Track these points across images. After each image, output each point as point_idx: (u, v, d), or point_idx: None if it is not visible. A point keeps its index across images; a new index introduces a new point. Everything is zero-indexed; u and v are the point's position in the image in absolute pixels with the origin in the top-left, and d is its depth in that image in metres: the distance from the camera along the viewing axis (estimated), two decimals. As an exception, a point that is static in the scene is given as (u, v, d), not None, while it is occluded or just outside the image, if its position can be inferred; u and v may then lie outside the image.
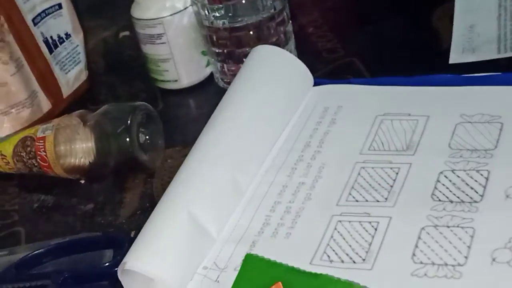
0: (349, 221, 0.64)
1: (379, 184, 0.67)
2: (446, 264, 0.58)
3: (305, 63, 0.81)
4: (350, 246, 0.62)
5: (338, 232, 0.63)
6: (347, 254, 0.61)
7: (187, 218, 0.64)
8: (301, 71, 0.81)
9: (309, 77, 0.82)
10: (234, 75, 0.81)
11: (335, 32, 0.95)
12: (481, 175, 0.65)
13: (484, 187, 0.64)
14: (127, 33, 1.08)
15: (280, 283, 0.56)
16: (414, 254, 0.59)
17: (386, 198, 0.66)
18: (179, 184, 0.68)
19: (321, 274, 0.57)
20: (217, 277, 0.62)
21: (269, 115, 0.76)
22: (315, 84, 0.82)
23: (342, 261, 0.61)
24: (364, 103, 0.78)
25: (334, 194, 0.68)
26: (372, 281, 0.58)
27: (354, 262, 0.60)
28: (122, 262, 0.62)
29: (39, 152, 0.79)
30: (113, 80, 0.99)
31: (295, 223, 0.66)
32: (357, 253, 0.61)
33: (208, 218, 0.66)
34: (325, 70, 0.88)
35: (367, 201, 0.66)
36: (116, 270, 0.63)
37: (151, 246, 0.63)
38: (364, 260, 0.60)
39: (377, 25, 0.95)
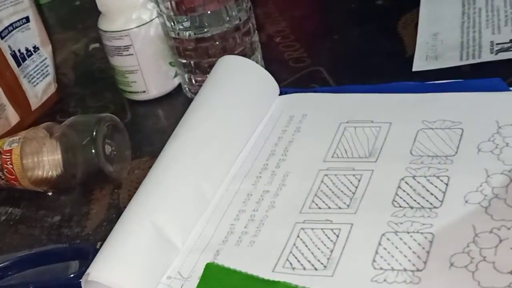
0: (312, 229, 0.65)
1: (342, 191, 0.68)
2: (405, 270, 0.59)
3: (272, 72, 0.82)
4: (312, 253, 0.63)
5: (301, 239, 0.64)
6: (309, 261, 0.62)
7: (151, 228, 0.65)
8: (266, 81, 0.82)
9: (275, 86, 0.82)
10: (201, 86, 0.82)
11: (302, 41, 0.96)
12: (441, 181, 0.66)
13: (444, 192, 0.65)
14: (97, 45, 1.08)
15: (240, 291, 0.57)
16: (374, 260, 0.60)
17: (348, 205, 0.66)
18: (143, 194, 0.69)
19: (279, 281, 0.57)
20: (181, 287, 0.63)
21: (235, 124, 0.76)
22: (281, 93, 0.83)
23: (304, 268, 0.61)
24: (328, 111, 0.78)
25: (297, 202, 0.68)
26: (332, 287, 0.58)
27: (316, 269, 0.61)
28: (85, 273, 0.62)
29: (5, 165, 0.79)
30: (83, 92, 0.99)
31: (258, 231, 0.66)
32: (318, 260, 0.62)
33: (172, 227, 0.66)
34: (292, 79, 0.89)
35: (329, 208, 0.67)
36: (81, 281, 0.63)
37: (114, 256, 0.63)
38: (325, 267, 0.61)
39: (343, 34, 0.95)
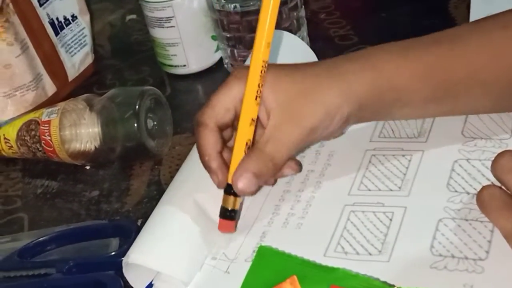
0: (363, 211, 0.62)
1: (392, 172, 0.66)
2: (466, 258, 0.56)
3: (317, 50, 0.79)
4: (364, 237, 0.60)
5: (352, 222, 0.62)
6: (362, 246, 0.59)
7: (193, 206, 0.63)
8: (310, 57, 0.79)
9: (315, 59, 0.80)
10: (244, 61, 0.80)
11: (347, 18, 0.94)
12: None
13: None
14: (133, 16, 1.06)
15: (294, 276, 0.54)
16: (432, 246, 0.58)
17: (399, 187, 0.64)
18: (185, 172, 0.66)
19: (337, 268, 0.55)
20: (227, 268, 0.60)
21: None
22: None
23: (357, 253, 0.59)
24: None
25: (345, 183, 0.66)
26: (390, 274, 0.56)
27: (370, 254, 0.58)
28: (126, 255, 0.60)
29: (43, 136, 0.77)
30: (120, 64, 0.97)
31: (306, 213, 0.64)
32: (372, 245, 0.59)
33: (215, 206, 0.64)
34: (338, 57, 0.86)
35: (380, 190, 0.64)
36: (122, 259, 0.61)
37: (155, 238, 0.61)
38: (380, 251, 0.58)
39: (391, 11, 0.93)
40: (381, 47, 0.63)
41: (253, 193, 0.60)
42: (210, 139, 0.60)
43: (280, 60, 0.76)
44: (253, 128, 0.59)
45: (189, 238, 0.61)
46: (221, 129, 0.61)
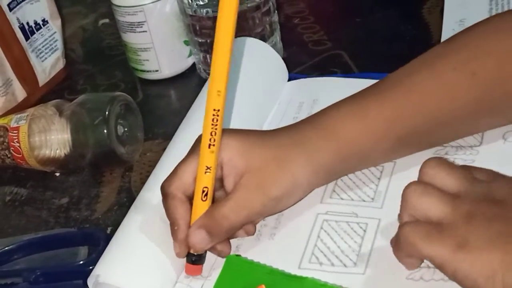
0: (336, 221, 0.62)
1: (363, 182, 0.65)
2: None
3: (291, 55, 0.79)
4: (339, 247, 0.60)
5: (325, 231, 0.61)
6: (337, 257, 0.59)
7: (164, 222, 0.61)
8: (278, 66, 0.79)
9: (285, 71, 0.80)
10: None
11: (321, 23, 0.93)
12: None
13: None
14: (106, 20, 1.04)
15: (263, 286, 0.53)
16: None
17: (372, 198, 0.63)
18: (156, 182, 0.65)
19: (306, 277, 0.54)
20: (201, 286, 0.59)
21: (247, 109, 0.73)
22: (289, 79, 0.80)
23: (333, 264, 0.58)
24: (339, 96, 0.74)
25: (317, 191, 0.65)
26: (366, 286, 0.55)
27: (345, 265, 0.58)
28: (94, 274, 0.59)
29: (12, 143, 0.76)
30: (92, 69, 0.96)
31: (278, 223, 0.63)
32: (347, 256, 0.59)
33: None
34: (312, 63, 0.86)
35: (352, 200, 0.64)
36: (91, 268, 0.60)
37: (126, 254, 0.60)
38: (355, 263, 0.58)
39: (365, 17, 0.92)
40: (340, 110, 0.63)
41: (206, 249, 0.59)
42: (179, 210, 0.59)
43: (250, 69, 0.75)
44: (209, 176, 0.58)
45: (160, 255, 0.60)
46: (190, 198, 0.60)
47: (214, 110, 0.56)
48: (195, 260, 0.59)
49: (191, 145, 0.63)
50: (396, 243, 0.54)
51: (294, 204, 0.62)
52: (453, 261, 0.50)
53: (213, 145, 0.57)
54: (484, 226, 0.51)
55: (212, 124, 0.57)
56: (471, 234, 0.50)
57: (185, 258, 0.60)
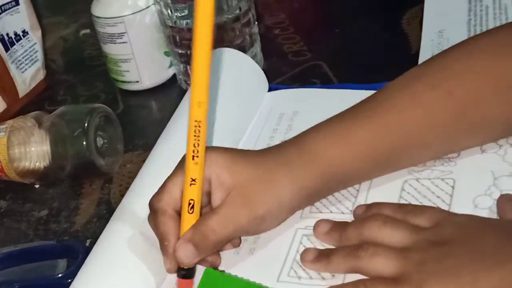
0: (314, 236, 0.62)
1: (342, 194, 0.65)
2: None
3: (271, 66, 0.79)
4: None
5: (304, 246, 0.61)
6: (315, 271, 0.59)
7: (143, 238, 0.61)
8: (258, 76, 0.79)
9: (264, 82, 0.80)
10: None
11: (301, 34, 0.93)
12: (447, 183, 0.64)
13: (451, 196, 0.62)
14: (87, 31, 1.05)
15: (240, 299, 0.54)
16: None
17: (351, 210, 0.63)
18: (135, 195, 0.65)
19: (282, 290, 0.55)
20: None
21: (227, 121, 0.73)
22: (269, 89, 0.81)
23: (311, 277, 0.58)
24: (319, 107, 0.75)
25: None
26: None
27: (324, 278, 0.58)
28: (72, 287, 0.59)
29: (-9, 155, 0.76)
30: (72, 80, 0.96)
31: (257, 238, 0.63)
32: None
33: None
34: (292, 73, 0.86)
35: (331, 212, 0.64)
36: (70, 281, 0.60)
37: (104, 268, 0.60)
38: (333, 276, 0.58)
39: (345, 28, 0.93)
40: (321, 132, 0.63)
41: (194, 262, 0.59)
42: (169, 225, 0.59)
43: (230, 80, 0.75)
44: (194, 188, 0.58)
45: (140, 268, 0.60)
46: (179, 213, 0.60)
47: (196, 121, 0.56)
48: (185, 274, 0.59)
49: (171, 156, 0.64)
50: None
51: (277, 225, 0.63)
52: None
53: (197, 156, 0.57)
54: (436, 270, 0.52)
55: (195, 136, 0.56)
56: (425, 282, 0.51)
57: (167, 273, 0.60)
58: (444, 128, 0.62)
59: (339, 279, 0.57)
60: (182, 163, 0.60)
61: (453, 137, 0.64)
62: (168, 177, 0.61)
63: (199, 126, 0.56)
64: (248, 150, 0.65)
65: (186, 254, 0.57)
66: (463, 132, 0.63)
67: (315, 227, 0.61)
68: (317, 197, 0.64)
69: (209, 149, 0.59)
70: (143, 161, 0.71)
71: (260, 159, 0.62)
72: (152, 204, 0.60)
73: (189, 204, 0.58)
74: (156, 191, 0.61)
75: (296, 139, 0.64)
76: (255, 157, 0.62)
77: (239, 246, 0.62)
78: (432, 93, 0.62)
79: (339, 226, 0.60)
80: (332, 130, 0.63)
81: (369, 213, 0.60)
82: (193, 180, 0.58)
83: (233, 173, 0.59)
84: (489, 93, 0.61)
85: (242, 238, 0.63)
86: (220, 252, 0.62)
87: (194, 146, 0.57)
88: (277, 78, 0.84)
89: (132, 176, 0.71)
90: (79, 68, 0.99)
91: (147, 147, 0.75)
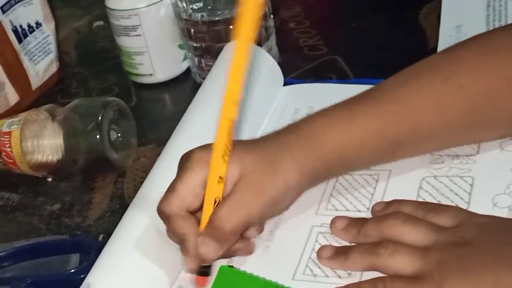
0: (331, 233, 0.61)
1: (359, 192, 0.65)
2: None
3: (286, 60, 0.79)
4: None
5: (320, 244, 0.60)
6: (331, 268, 0.58)
7: (157, 233, 0.61)
8: (273, 70, 0.79)
9: (280, 76, 0.79)
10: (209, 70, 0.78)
11: (317, 28, 0.92)
12: (465, 181, 0.63)
13: (470, 193, 0.61)
14: (101, 23, 1.04)
15: (256, 297, 0.53)
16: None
17: (368, 208, 0.63)
18: (149, 189, 0.64)
19: (300, 289, 0.54)
20: None
21: (242, 116, 0.72)
22: (285, 83, 0.80)
23: (327, 276, 0.58)
24: (335, 102, 0.74)
25: (312, 203, 0.64)
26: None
27: (340, 277, 0.57)
28: (85, 283, 0.58)
29: (4, 148, 0.75)
30: (85, 73, 0.96)
31: (273, 235, 0.62)
32: None
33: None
34: (308, 68, 0.85)
35: (347, 210, 0.63)
36: (82, 276, 0.59)
37: (118, 264, 0.59)
38: (349, 274, 0.57)
39: (361, 22, 0.92)
40: (326, 117, 0.62)
41: (218, 256, 0.58)
42: (186, 226, 0.58)
43: (245, 74, 0.74)
44: (221, 186, 0.58)
45: (152, 266, 0.59)
46: (192, 213, 0.59)
47: (230, 120, 0.56)
48: (203, 271, 0.58)
49: (186, 150, 0.63)
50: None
51: (287, 209, 0.62)
52: None
53: (227, 154, 0.57)
54: (456, 269, 0.51)
55: (228, 134, 0.56)
56: (446, 280, 0.51)
57: (181, 270, 0.60)
58: (454, 122, 0.62)
59: (356, 277, 0.56)
60: (186, 166, 0.59)
61: (463, 131, 0.63)
62: (174, 181, 0.59)
63: (232, 126, 0.56)
64: (250, 140, 0.64)
65: (208, 249, 0.57)
66: (474, 127, 0.62)
67: (332, 223, 0.60)
68: (322, 179, 0.64)
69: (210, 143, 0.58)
70: (157, 155, 0.70)
71: (263, 146, 0.61)
72: (163, 211, 0.59)
73: (215, 202, 0.58)
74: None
75: (298, 124, 0.63)
76: (258, 145, 0.61)
77: (262, 231, 0.62)
78: (444, 86, 0.61)
79: (357, 223, 0.59)
80: (338, 115, 0.62)
81: (388, 210, 0.59)
82: (221, 178, 0.57)
83: (239, 162, 0.59)
84: (502, 89, 0.61)
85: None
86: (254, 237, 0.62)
87: (227, 145, 0.56)
88: (292, 72, 0.84)
89: (145, 170, 0.70)
90: (92, 60, 0.98)
91: (161, 141, 0.74)
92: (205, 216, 0.58)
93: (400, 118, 0.61)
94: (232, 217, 0.57)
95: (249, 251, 0.60)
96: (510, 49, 0.61)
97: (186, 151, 0.62)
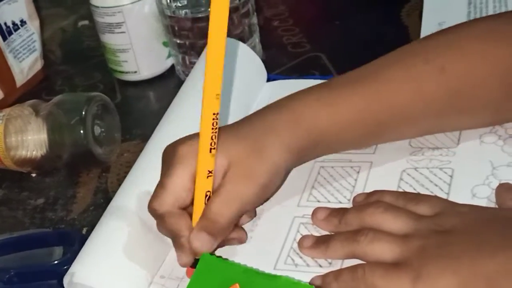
0: (312, 224, 0.61)
1: (340, 184, 0.65)
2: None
3: (269, 57, 0.79)
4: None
5: (301, 234, 0.61)
6: (313, 257, 0.58)
7: (139, 223, 0.61)
8: (257, 66, 0.79)
9: (263, 72, 0.80)
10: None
11: (301, 26, 0.93)
12: (445, 172, 0.63)
13: (449, 184, 0.62)
14: (86, 22, 1.04)
15: (237, 284, 0.53)
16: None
17: (349, 200, 0.63)
18: (133, 183, 0.65)
19: (280, 276, 0.54)
20: (177, 286, 0.59)
21: (226, 111, 0.73)
22: (268, 79, 0.80)
23: (308, 265, 0.58)
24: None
25: (294, 194, 0.65)
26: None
27: (321, 266, 0.58)
28: (69, 272, 0.58)
29: (-12, 143, 0.75)
30: (70, 70, 0.96)
31: (255, 226, 0.63)
32: None
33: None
34: (291, 65, 0.86)
35: (329, 202, 0.64)
36: (66, 268, 0.59)
37: (100, 254, 0.59)
38: (330, 263, 0.58)
39: (344, 20, 0.92)
40: (310, 97, 0.63)
41: (212, 249, 0.58)
42: (181, 223, 0.58)
43: (228, 69, 0.75)
44: (211, 180, 0.58)
45: (135, 256, 0.59)
46: (184, 208, 0.59)
47: (214, 114, 0.56)
48: (196, 263, 0.58)
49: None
50: (353, 279, 0.54)
51: (277, 190, 0.63)
52: None
53: (214, 148, 0.57)
54: (436, 255, 0.51)
55: (213, 128, 0.56)
56: (425, 266, 0.51)
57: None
58: (435, 104, 0.62)
59: (337, 266, 0.57)
60: (172, 162, 0.59)
61: (444, 115, 0.63)
62: (164, 177, 0.59)
63: (216, 119, 0.56)
64: (234, 125, 0.64)
65: (202, 243, 0.57)
66: (455, 111, 0.63)
67: (313, 213, 0.61)
68: (305, 159, 0.65)
69: (196, 135, 0.58)
70: (141, 150, 0.70)
71: (247, 130, 0.62)
72: (155, 210, 0.59)
73: (206, 196, 0.58)
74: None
75: (281, 102, 0.64)
76: (243, 130, 0.62)
77: (255, 216, 0.63)
78: (425, 67, 0.62)
79: (338, 212, 0.59)
80: (320, 96, 0.63)
81: (369, 200, 0.60)
82: (210, 172, 0.57)
83: (226, 152, 0.59)
84: (483, 76, 0.61)
85: None
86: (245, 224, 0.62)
87: (212, 139, 0.56)
88: (276, 69, 0.84)
89: (129, 165, 0.70)
90: (77, 59, 0.98)
91: (145, 137, 0.74)
92: (197, 211, 0.58)
93: (383, 97, 0.62)
94: (226, 210, 0.58)
95: (242, 240, 0.61)
96: (491, 38, 0.62)
97: (168, 145, 0.62)
